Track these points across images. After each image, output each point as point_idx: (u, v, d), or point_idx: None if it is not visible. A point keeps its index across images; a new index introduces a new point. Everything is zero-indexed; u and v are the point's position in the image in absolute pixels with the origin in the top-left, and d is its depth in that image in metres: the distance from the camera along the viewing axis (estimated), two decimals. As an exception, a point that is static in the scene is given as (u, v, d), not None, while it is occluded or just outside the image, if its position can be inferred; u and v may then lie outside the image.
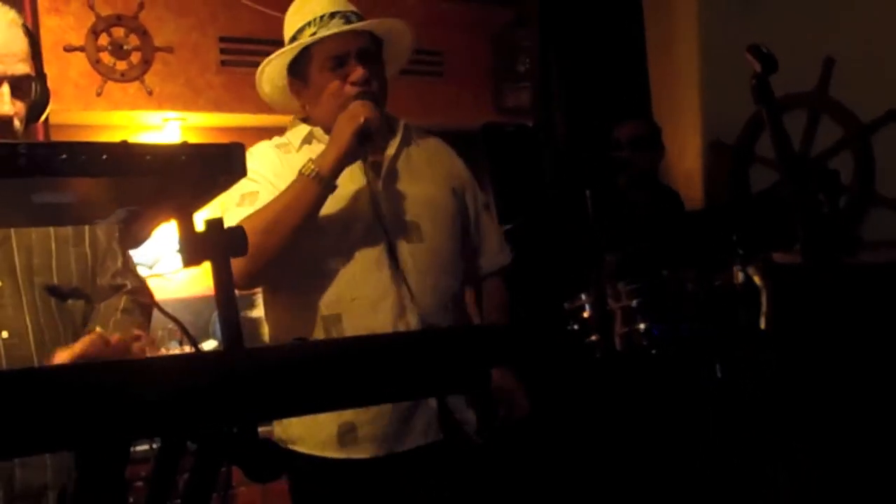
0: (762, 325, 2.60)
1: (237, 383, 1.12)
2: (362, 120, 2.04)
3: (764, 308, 2.56)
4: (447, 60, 5.49)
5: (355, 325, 2.14)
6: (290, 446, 2.20)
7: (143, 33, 4.63)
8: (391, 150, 2.29)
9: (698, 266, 3.07)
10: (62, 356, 1.73)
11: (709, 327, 3.00)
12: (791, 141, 4.02)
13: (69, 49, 4.48)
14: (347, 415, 2.16)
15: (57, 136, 3.87)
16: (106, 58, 4.57)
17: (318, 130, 2.27)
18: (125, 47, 4.59)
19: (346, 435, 2.17)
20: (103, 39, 4.57)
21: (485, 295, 2.52)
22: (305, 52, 2.18)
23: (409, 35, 2.35)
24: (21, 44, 1.82)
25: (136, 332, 1.85)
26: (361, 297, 2.15)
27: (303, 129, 2.29)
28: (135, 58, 4.62)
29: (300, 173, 2.06)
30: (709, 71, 4.48)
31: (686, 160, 4.57)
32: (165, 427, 1.14)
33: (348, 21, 2.16)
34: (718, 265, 2.96)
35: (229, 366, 1.14)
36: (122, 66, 4.60)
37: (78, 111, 4.58)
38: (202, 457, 1.19)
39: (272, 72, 2.25)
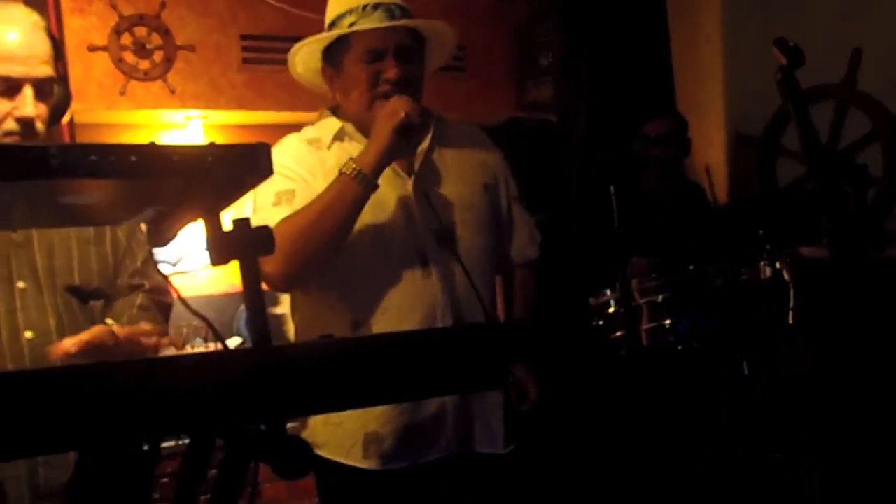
0: (789, 321, 2.59)
1: (265, 381, 1.12)
2: (402, 115, 1.97)
3: (791, 303, 2.54)
4: (469, 55, 5.48)
5: (385, 332, 2.11)
6: (315, 450, 2.19)
7: (166, 32, 4.66)
8: (422, 150, 2.22)
9: (725, 261, 3.05)
10: (68, 343, 1.74)
11: (735, 323, 2.99)
12: (818, 134, 4.00)
13: (93, 49, 4.51)
14: (373, 425, 2.15)
15: (81, 136, 3.90)
16: (129, 57, 4.59)
17: (350, 127, 2.22)
18: (148, 46, 4.62)
19: (371, 445, 2.15)
20: (126, 39, 4.60)
21: (516, 286, 2.49)
22: (343, 39, 2.12)
23: (452, 36, 2.26)
24: (44, 46, 1.83)
25: (147, 325, 1.86)
26: (392, 305, 2.11)
27: (334, 125, 2.23)
28: (157, 57, 4.64)
29: (341, 172, 2.00)
30: (733, 64, 4.44)
31: (711, 154, 4.54)
32: (194, 425, 1.14)
33: (392, 15, 2.09)
34: (745, 260, 2.94)
35: (257, 363, 1.14)
36: (144, 65, 4.63)
37: (102, 110, 4.61)
38: (230, 454, 1.19)
39: (306, 54, 2.21)
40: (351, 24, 2.09)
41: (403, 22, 2.10)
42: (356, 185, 1.98)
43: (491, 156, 2.39)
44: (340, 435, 2.17)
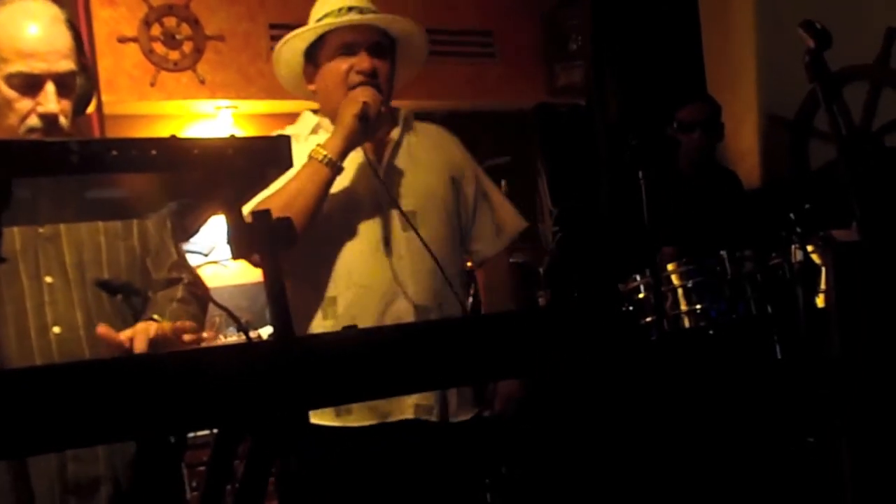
0: (820, 304, 2.56)
1: (289, 372, 1.12)
2: (361, 103, 2.15)
3: (822, 286, 2.51)
4: (497, 41, 5.45)
5: (349, 308, 2.23)
6: None
7: (195, 22, 4.68)
8: (393, 139, 2.37)
9: (756, 245, 3.02)
10: (137, 342, 1.74)
11: (767, 307, 2.96)
12: (851, 115, 3.94)
13: (122, 40, 4.54)
14: None
15: (112, 127, 3.93)
16: (159, 48, 4.62)
17: (326, 121, 2.35)
18: (177, 37, 4.64)
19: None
20: (155, 30, 4.62)
21: (484, 277, 2.59)
22: (321, 39, 2.28)
23: (420, 36, 2.40)
24: (64, 40, 1.82)
25: (188, 323, 1.85)
26: (356, 283, 2.24)
27: (312, 120, 2.39)
28: (187, 47, 4.67)
29: (310, 157, 2.16)
30: (765, 46, 4.38)
31: (743, 137, 4.49)
32: (220, 416, 1.15)
33: (364, 15, 2.28)
34: (776, 244, 2.91)
35: (281, 354, 1.15)
36: (174, 55, 4.65)
37: (132, 102, 4.65)
38: (256, 445, 1.20)
39: (289, 54, 2.34)
40: (327, 23, 2.26)
41: (372, 18, 2.27)
42: (323, 167, 2.15)
43: (459, 153, 2.51)
44: None
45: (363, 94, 2.17)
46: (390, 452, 2.22)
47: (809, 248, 2.65)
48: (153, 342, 1.75)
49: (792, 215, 2.71)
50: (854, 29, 3.77)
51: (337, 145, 2.15)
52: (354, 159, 2.23)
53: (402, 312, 2.22)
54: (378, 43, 2.28)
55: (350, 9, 2.25)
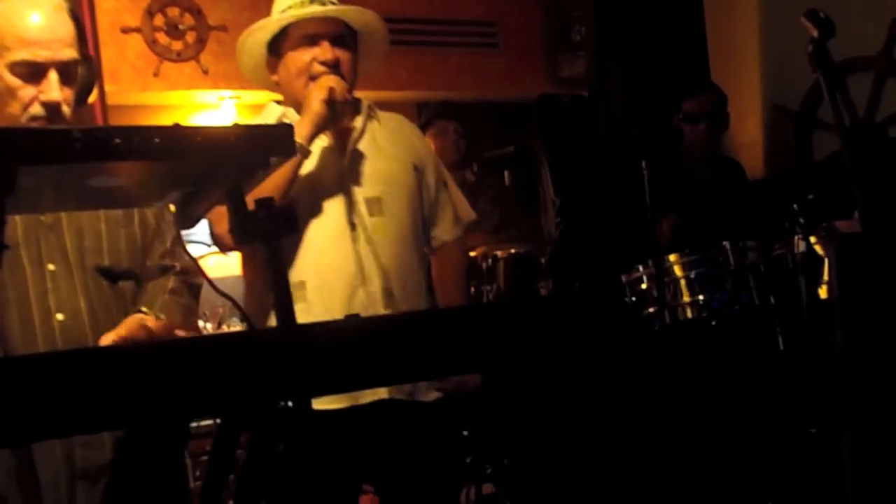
0: (823, 295, 2.56)
1: (290, 359, 1.13)
2: (328, 89, 2.21)
3: (825, 277, 2.51)
4: (501, 32, 5.44)
5: (318, 292, 2.27)
6: None
7: (198, 13, 4.68)
8: (356, 128, 2.40)
9: (759, 236, 3.02)
10: (106, 340, 1.77)
11: (770, 297, 2.96)
12: (854, 106, 3.93)
13: (126, 30, 4.54)
14: None
15: (115, 118, 3.93)
16: (162, 38, 4.62)
17: (291, 111, 2.39)
18: (180, 27, 4.64)
19: None
20: (158, 20, 4.62)
21: (439, 261, 2.65)
22: (284, 31, 2.32)
23: (381, 27, 2.46)
24: (67, 28, 1.82)
25: (180, 331, 1.86)
26: (324, 266, 2.29)
27: (276, 110, 2.43)
28: (190, 37, 4.67)
29: None
30: (769, 36, 4.37)
31: (747, 128, 4.48)
32: (221, 405, 1.16)
33: (324, 7, 2.33)
34: (779, 235, 2.90)
35: (283, 342, 1.15)
36: (177, 45, 4.65)
37: (135, 92, 4.65)
38: (257, 433, 1.20)
39: (252, 45, 2.38)
40: (290, 15, 2.31)
41: (334, 10, 2.32)
42: None
43: (420, 142, 2.59)
44: None
45: (329, 80, 2.23)
46: (365, 434, 2.26)
47: (812, 238, 2.64)
48: (131, 341, 1.77)
49: (795, 206, 2.71)
50: (859, 19, 3.76)
51: (305, 129, 2.20)
52: (319, 145, 2.29)
53: (370, 296, 2.28)
54: (340, 34, 2.33)
55: (312, 0, 2.29)
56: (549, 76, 5.58)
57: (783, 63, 4.22)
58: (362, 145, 2.39)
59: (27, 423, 1.00)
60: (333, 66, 2.28)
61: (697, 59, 4.61)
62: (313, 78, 2.27)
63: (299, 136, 2.17)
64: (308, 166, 2.26)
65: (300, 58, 2.30)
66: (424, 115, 4.35)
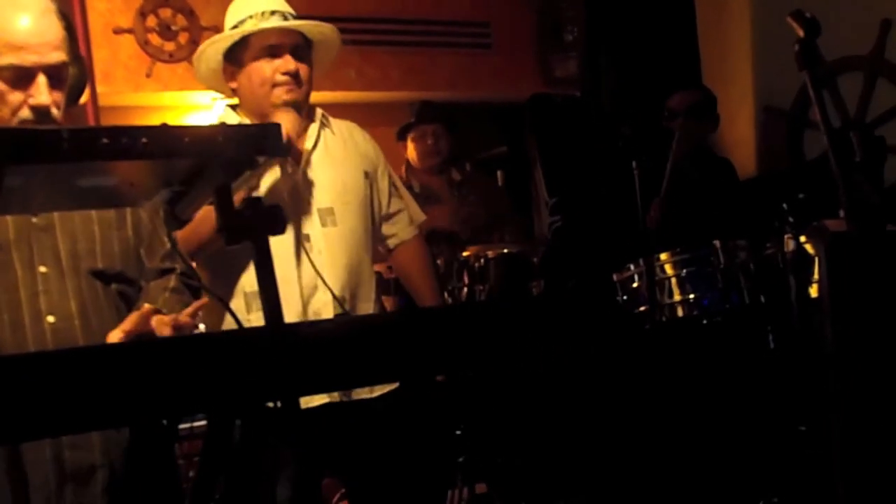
0: (813, 294, 2.57)
1: (278, 358, 1.13)
2: (286, 131, 2.26)
3: (816, 276, 2.52)
4: (494, 32, 5.45)
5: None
6: None
7: (190, 13, 4.68)
8: (310, 141, 2.48)
9: (750, 235, 3.03)
10: (113, 337, 1.76)
11: (760, 296, 2.97)
12: (845, 106, 3.94)
13: (118, 31, 4.54)
14: None
15: (107, 119, 3.93)
16: (154, 39, 4.62)
17: (247, 120, 2.45)
18: (173, 28, 4.64)
19: None
20: (151, 21, 4.62)
21: (402, 258, 2.74)
22: (244, 40, 2.39)
23: (336, 40, 2.54)
24: (55, 31, 1.80)
25: (183, 319, 1.85)
26: (278, 277, 2.34)
27: (233, 116, 2.50)
28: (182, 38, 4.67)
29: None
30: (761, 36, 4.37)
31: (738, 128, 4.49)
32: (210, 403, 1.16)
33: (286, 20, 2.41)
34: (770, 234, 2.92)
35: (270, 341, 1.16)
36: (170, 46, 4.65)
37: (128, 93, 4.65)
38: (247, 432, 1.21)
39: (211, 54, 2.44)
40: (252, 26, 2.39)
41: (298, 24, 2.42)
42: None
43: (371, 148, 2.66)
44: None
45: (286, 121, 2.30)
46: (344, 430, 2.32)
47: (802, 238, 2.65)
48: (137, 335, 1.77)
49: (785, 205, 2.72)
50: (850, 20, 3.77)
51: None
52: (273, 164, 2.36)
53: (323, 304, 2.34)
54: (299, 45, 2.42)
55: (273, 12, 2.38)
56: (541, 76, 5.58)
57: (775, 63, 4.23)
58: (316, 157, 2.47)
59: (15, 423, 1.01)
60: (294, 77, 2.38)
61: (689, 59, 4.62)
62: (275, 86, 2.36)
63: None
64: (265, 180, 2.36)
65: (261, 69, 2.38)
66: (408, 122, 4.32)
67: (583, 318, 3.27)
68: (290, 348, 1.16)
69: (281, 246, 2.32)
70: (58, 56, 1.79)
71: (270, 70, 2.37)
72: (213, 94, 4.83)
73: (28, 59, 1.76)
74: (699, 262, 3.01)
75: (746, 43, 4.49)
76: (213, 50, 2.42)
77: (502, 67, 5.51)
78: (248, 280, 2.34)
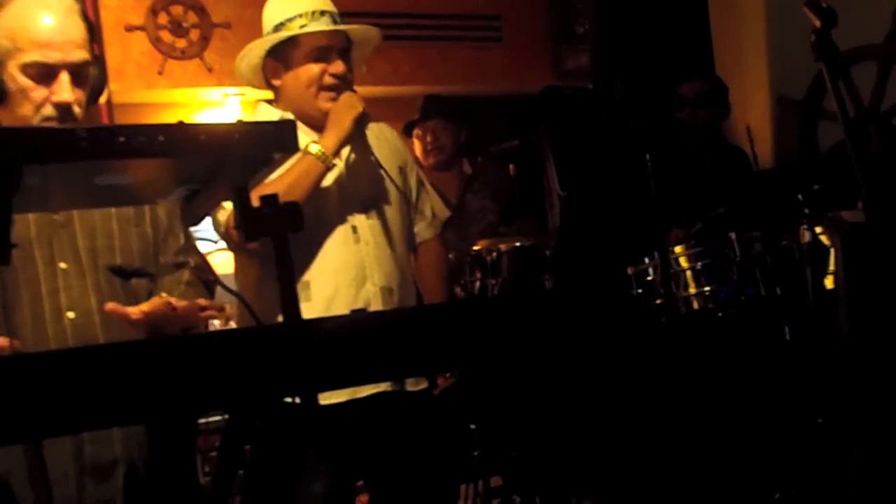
0: (829, 285, 2.56)
1: (296, 355, 1.13)
2: (361, 109, 2.36)
3: (832, 267, 2.50)
4: (505, 25, 5.44)
5: (322, 291, 2.38)
6: None
7: (201, 10, 4.68)
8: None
9: (765, 227, 3.01)
10: (131, 309, 1.78)
11: (776, 288, 2.96)
12: (859, 95, 3.92)
13: (130, 29, 4.55)
14: None
15: (120, 116, 3.94)
16: (166, 36, 4.63)
17: (288, 115, 2.46)
18: (184, 25, 4.65)
19: None
20: (162, 18, 4.63)
21: (422, 257, 2.76)
22: (292, 40, 2.41)
23: (376, 42, 2.59)
24: (79, 30, 1.84)
25: (203, 301, 1.90)
26: (328, 267, 2.41)
27: (273, 112, 2.51)
28: (194, 35, 4.68)
29: (306, 152, 2.32)
30: (775, 27, 4.35)
31: (752, 118, 4.47)
32: (229, 400, 1.16)
33: (335, 21, 2.43)
34: (785, 225, 2.90)
35: (289, 338, 1.16)
36: (181, 43, 4.66)
37: (140, 90, 4.66)
38: (266, 428, 1.21)
39: (256, 51, 2.45)
40: (302, 26, 2.40)
41: (348, 27, 2.45)
42: (319, 163, 2.34)
43: (401, 144, 2.73)
44: None
45: (358, 101, 2.37)
46: (366, 427, 2.34)
47: (818, 229, 2.64)
48: (156, 316, 1.78)
49: (801, 196, 2.71)
50: (864, 9, 3.75)
51: (334, 143, 2.35)
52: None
53: (371, 294, 2.41)
54: (345, 48, 2.46)
55: (323, 12, 2.41)
56: (553, 69, 5.57)
57: (789, 54, 4.21)
58: (356, 150, 2.50)
59: (38, 420, 1.01)
60: (342, 79, 2.41)
61: (702, 50, 4.61)
62: (323, 88, 2.40)
63: (328, 149, 2.35)
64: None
65: (311, 70, 2.40)
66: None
67: (596, 311, 3.27)
68: (308, 344, 1.16)
69: (332, 237, 2.41)
70: (81, 55, 1.82)
71: (320, 72, 2.40)
72: (224, 90, 4.86)
73: (52, 57, 1.80)
74: (714, 254, 3.00)
75: (760, 34, 4.47)
76: (259, 47, 2.44)
77: (514, 61, 5.51)
78: (295, 267, 2.39)
